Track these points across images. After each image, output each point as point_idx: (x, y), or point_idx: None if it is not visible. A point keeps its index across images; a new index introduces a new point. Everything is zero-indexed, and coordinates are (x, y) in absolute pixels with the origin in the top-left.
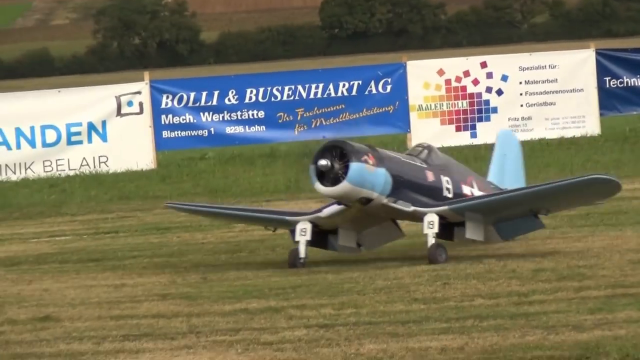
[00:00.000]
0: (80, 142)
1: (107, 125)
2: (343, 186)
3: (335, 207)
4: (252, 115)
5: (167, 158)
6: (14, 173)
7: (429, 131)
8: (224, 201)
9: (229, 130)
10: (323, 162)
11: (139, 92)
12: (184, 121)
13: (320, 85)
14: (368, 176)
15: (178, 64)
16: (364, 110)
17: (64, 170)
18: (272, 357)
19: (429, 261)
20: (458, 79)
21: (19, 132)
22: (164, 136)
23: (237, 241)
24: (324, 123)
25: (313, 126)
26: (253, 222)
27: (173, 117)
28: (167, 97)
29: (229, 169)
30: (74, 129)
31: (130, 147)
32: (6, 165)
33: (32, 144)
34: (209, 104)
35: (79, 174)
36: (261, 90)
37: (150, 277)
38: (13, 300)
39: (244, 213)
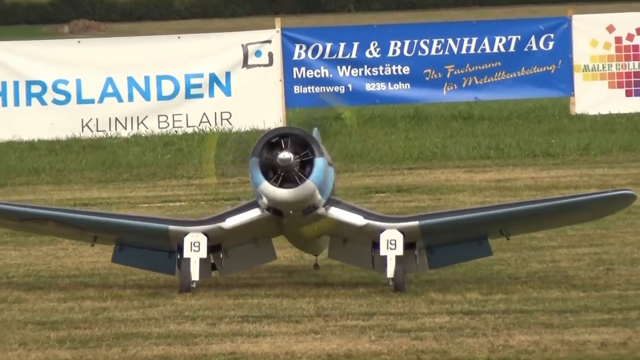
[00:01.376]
0: (200, 96)
1: (231, 78)
2: (305, 188)
3: (245, 216)
4: (396, 71)
5: (297, 116)
6: (125, 128)
7: (594, 95)
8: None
9: (369, 87)
10: (286, 155)
11: (268, 41)
12: (319, 75)
13: (474, 40)
14: (326, 176)
15: (313, 11)
16: (522, 69)
17: (181, 126)
18: (410, 346)
19: (395, 289)
20: (630, 37)
21: (131, 83)
22: (295, 92)
23: None
24: (477, 82)
25: (464, 85)
26: (105, 232)
27: (306, 70)
28: (300, 48)
29: (367, 131)
30: (194, 81)
31: (257, 103)
32: (116, 119)
33: (146, 96)
34: (347, 56)
35: (198, 132)
36: (407, 43)
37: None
38: (119, 272)
39: (101, 219)
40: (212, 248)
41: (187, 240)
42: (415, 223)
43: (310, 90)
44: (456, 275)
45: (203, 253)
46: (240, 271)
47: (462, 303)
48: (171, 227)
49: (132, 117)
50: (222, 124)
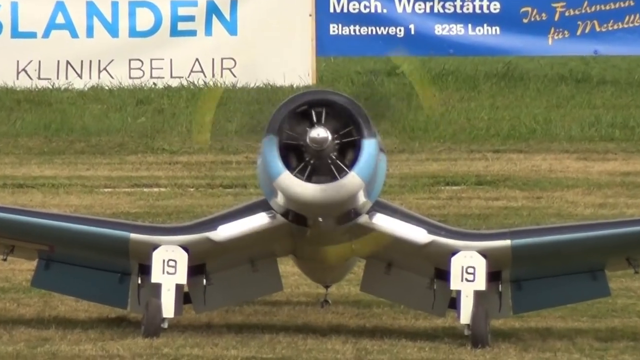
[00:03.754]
0: (192, 33)
1: (238, 8)
2: (347, 184)
3: (248, 224)
4: (480, 8)
5: (332, 70)
6: (80, 77)
7: None
8: None
9: (440, 30)
10: (321, 133)
11: None
12: (366, 10)
13: None
14: (376, 166)
15: None
16: None
17: (163, 77)
18: None
19: (473, 342)
20: None
21: (92, 10)
22: (331, 32)
23: None
24: (597, 29)
25: (578, 33)
26: (26, 238)
27: (348, 2)
28: None
29: (435, 95)
30: (183, 11)
31: (275, 48)
32: (68, 63)
33: (112, 30)
34: None
35: (187, 86)
36: None
37: None
38: None
39: (18, 218)
40: (192, 270)
41: (158, 257)
42: (506, 243)
43: (353, 31)
44: (559, 309)
45: (181, 277)
46: (224, 307)
47: (571, 351)
48: (134, 235)
49: (90, 61)
50: (222, 76)
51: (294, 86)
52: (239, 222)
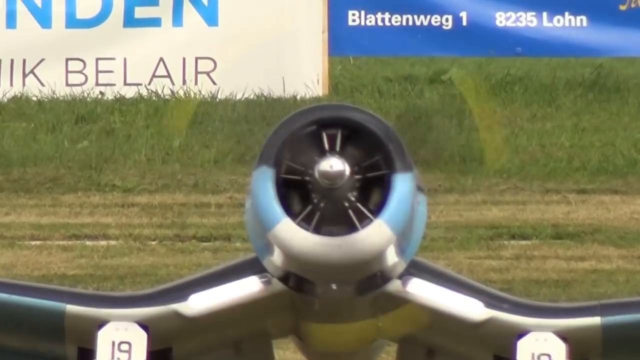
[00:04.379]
0: (154, 23)
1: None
2: (371, 237)
3: (232, 292)
4: None
5: (352, 75)
6: None
7: None
8: None
9: (502, 20)
10: (336, 164)
11: None
12: None
13: None
14: (413, 212)
15: None
16: None
17: (114, 84)
18: None
19: None
20: None
21: None
22: (349, 23)
23: None
24: None
25: None
26: None
27: None
28: None
29: (494, 110)
30: None
31: (271, 44)
32: None
33: (42, 19)
34: None
35: (149, 96)
36: None
37: None
38: None
39: None
40: (154, 356)
41: (105, 338)
42: (595, 321)
43: (381, 20)
44: None
45: None
46: None
47: None
48: (71, 307)
49: (12, 61)
50: (197, 84)
51: (298, 97)
52: (219, 290)
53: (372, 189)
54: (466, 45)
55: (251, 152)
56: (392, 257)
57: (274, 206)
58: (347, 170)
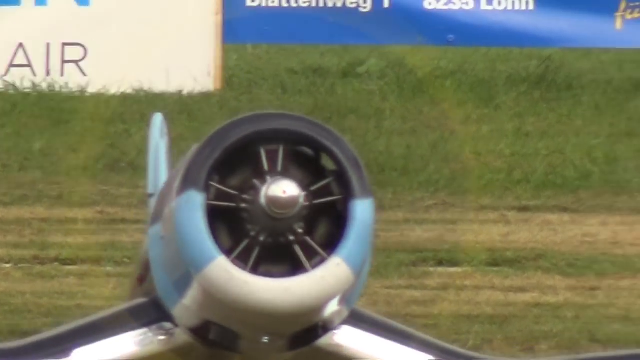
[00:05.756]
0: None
1: None
2: (329, 277)
3: (131, 345)
4: None
5: (250, 67)
6: None
7: None
8: None
9: (431, 3)
10: (290, 189)
11: None
12: None
13: None
14: (370, 246)
15: None
16: None
17: None
18: None
19: None
20: None
21: None
22: (248, 3)
23: None
24: None
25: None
26: None
27: None
28: None
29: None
30: None
31: (152, 28)
32: None
33: None
34: None
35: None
36: None
37: None
38: None
39: None
40: None
41: None
42: None
43: (286, 3)
44: None
45: None
46: None
47: None
48: None
49: None
50: (63, 75)
51: (185, 92)
52: (109, 343)
53: (320, 219)
54: (388, 32)
55: (127, 157)
56: (338, 304)
57: (206, 242)
58: (302, 196)
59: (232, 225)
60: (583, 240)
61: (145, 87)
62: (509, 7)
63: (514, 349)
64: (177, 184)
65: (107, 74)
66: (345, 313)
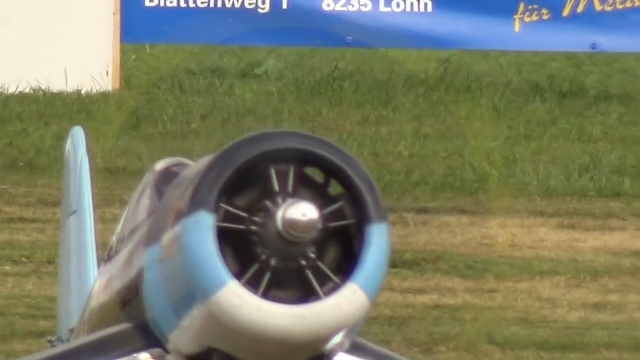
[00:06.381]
0: None
1: None
2: (345, 305)
3: None
4: None
5: (149, 67)
6: None
7: None
8: None
9: (330, 2)
10: (309, 212)
11: None
12: None
13: None
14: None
15: None
16: None
17: None
18: None
19: None
20: None
21: None
22: (147, 3)
23: None
24: (596, 9)
25: (566, 14)
26: None
27: None
28: None
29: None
30: None
31: (36, 23)
32: None
33: None
34: None
35: None
36: None
37: None
38: None
39: None
40: None
41: None
42: None
43: (185, 2)
44: None
45: None
46: None
47: None
48: None
49: None
50: None
51: (83, 92)
52: None
53: (331, 242)
54: (286, 33)
55: (25, 157)
56: (346, 334)
57: (217, 266)
58: (319, 219)
59: (240, 248)
60: (482, 242)
61: (44, 86)
62: (408, 9)
63: (413, 351)
64: (182, 203)
65: (5, 73)
66: (349, 341)
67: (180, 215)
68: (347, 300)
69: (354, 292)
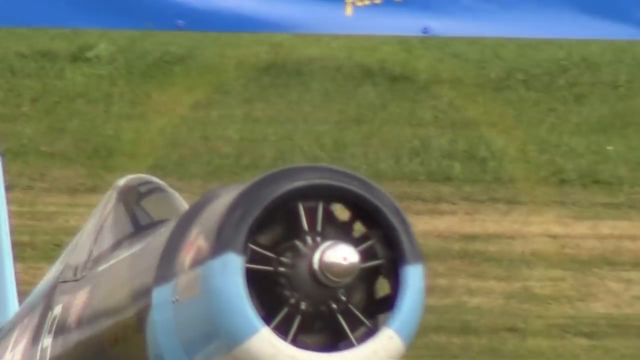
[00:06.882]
0: None
1: None
2: (380, 351)
3: None
4: None
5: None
6: None
7: None
8: None
9: None
10: (350, 255)
11: None
12: None
13: None
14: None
15: None
16: None
17: None
18: None
19: None
20: None
21: None
22: None
23: None
24: None
25: None
26: None
27: None
28: None
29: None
30: None
31: None
32: None
33: None
34: None
35: None
36: None
37: None
38: None
39: None
40: None
41: None
42: None
43: None
44: None
45: None
46: None
47: None
48: None
49: None
50: None
51: None
52: None
53: (360, 283)
54: (117, 16)
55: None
56: None
57: (247, 312)
58: (358, 261)
59: (266, 290)
60: None
61: None
62: None
63: None
64: (202, 242)
65: None
66: None
67: (201, 255)
68: (383, 347)
69: (389, 338)
